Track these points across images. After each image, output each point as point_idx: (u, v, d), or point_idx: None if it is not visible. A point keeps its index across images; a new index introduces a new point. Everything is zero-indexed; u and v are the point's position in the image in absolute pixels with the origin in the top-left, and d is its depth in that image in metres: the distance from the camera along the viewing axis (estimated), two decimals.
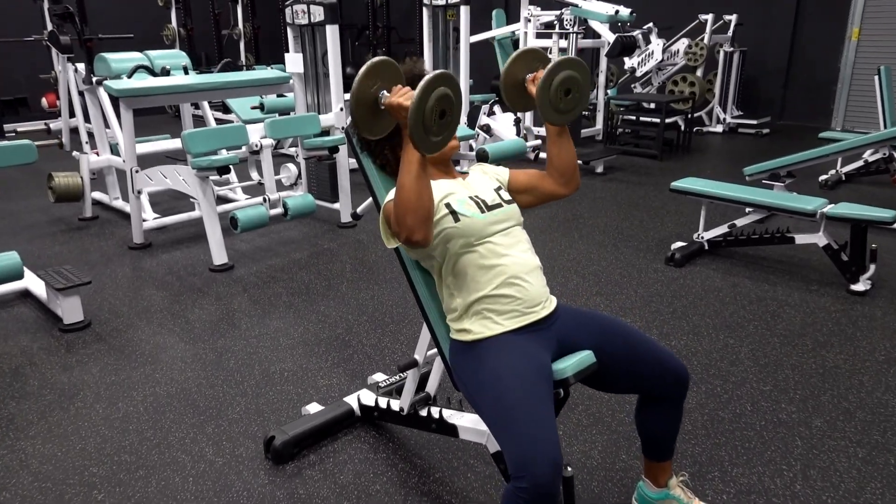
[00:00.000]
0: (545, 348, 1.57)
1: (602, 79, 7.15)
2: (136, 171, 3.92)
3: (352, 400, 2.25)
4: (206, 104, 5.24)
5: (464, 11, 5.11)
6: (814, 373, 2.55)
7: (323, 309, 3.18)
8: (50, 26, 5.07)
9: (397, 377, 2.34)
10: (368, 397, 2.20)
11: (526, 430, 1.33)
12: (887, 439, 2.12)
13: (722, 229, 3.76)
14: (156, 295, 3.39)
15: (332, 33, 3.97)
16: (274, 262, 3.83)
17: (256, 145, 3.75)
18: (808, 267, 3.64)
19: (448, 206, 1.59)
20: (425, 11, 5.31)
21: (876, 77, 6.06)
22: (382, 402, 2.12)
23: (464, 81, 5.29)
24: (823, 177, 5.49)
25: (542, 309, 1.61)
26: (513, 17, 7.62)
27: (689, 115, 7.21)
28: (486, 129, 4.94)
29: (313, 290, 3.42)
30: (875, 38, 7.82)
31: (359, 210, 2.38)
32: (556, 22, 5.65)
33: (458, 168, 1.86)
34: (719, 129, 8.08)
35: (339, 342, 2.85)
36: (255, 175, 4.06)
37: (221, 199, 4.78)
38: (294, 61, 4.16)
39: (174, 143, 4.57)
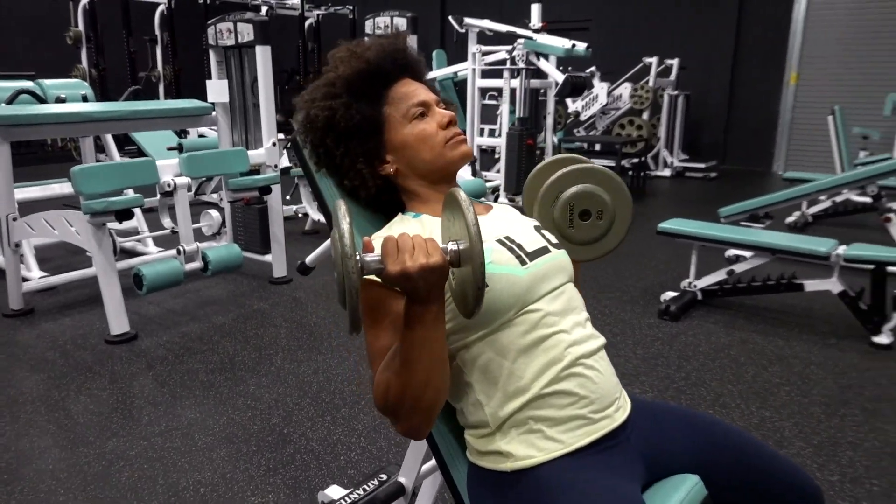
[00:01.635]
0: (630, 476, 0.98)
1: (550, 121, 6.81)
2: (14, 219, 3.13)
3: None
4: (111, 143, 4.48)
5: (411, 42, 4.62)
6: (881, 453, 2.05)
7: (253, 390, 2.48)
8: None
9: (362, 491, 1.68)
10: None
11: None
12: None
13: (717, 276, 3.31)
14: (29, 379, 2.60)
15: (263, 56, 3.37)
16: (190, 329, 3.09)
17: (169, 185, 3.06)
18: (817, 317, 3.21)
19: None
20: None
21: (830, 117, 5.97)
22: None
23: None
24: (790, 218, 5.23)
25: (618, 412, 1.02)
26: (455, 56, 7.25)
27: (642, 159, 6.96)
28: None
29: (240, 364, 2.71)
30: (812, 81, 7.88)
31: (309, 260, 1.74)
32: (507, 58, 5.26)
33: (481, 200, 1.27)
34: (667, 172, 7.88)
35: (276, 437, 2.16)
36: (167, 222, 3.36)
37: (127, 253, 4.01)
38: (217, 89, 3.52)
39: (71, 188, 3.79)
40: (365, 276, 0.85)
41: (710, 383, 2.53)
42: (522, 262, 1.03)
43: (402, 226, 1.08)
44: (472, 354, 1.00)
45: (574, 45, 4.98)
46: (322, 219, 4.81)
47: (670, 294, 3.34)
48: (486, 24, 5.40)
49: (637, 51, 8.02)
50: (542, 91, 6.91)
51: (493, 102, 7.87)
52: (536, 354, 0.98)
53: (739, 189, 6.73)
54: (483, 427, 1.00)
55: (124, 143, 6.55)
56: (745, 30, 8.24)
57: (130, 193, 3.05)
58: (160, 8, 8.70)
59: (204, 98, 3.83)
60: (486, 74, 6.20)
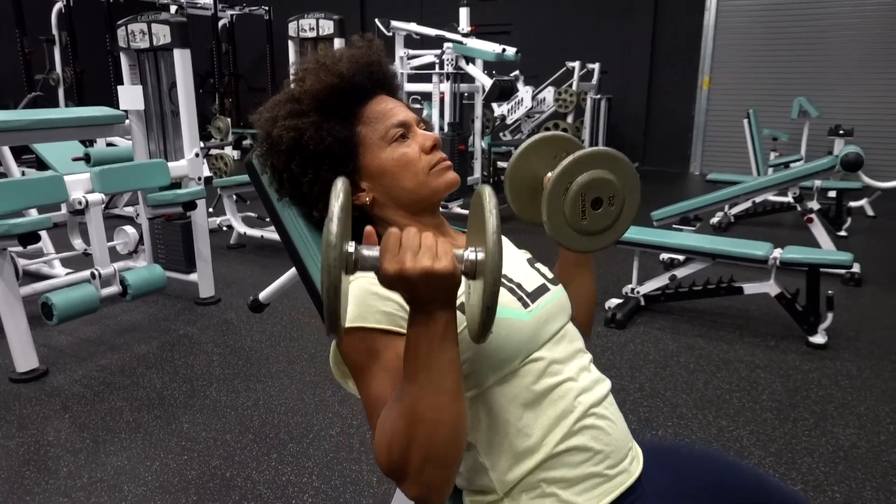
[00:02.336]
0: None
1: (479, 125, 6.78)
2: None
3: None
4: (9, 155, 4.06)
5: (338, 45, 4.45)
6: (835, 457, 2.08)
7: (187, 429, 2.26)
8: None
9: None
10: None
11: None
12: None
13: (659, 281, 3.33)
14: None
15: (182, 59, 3.11)
16: (109, 361, 2.81)
17: (80, 203, 2.76)
18: (755, 318, 3.28)
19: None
20: (291, 46, 4.58)
21: (745, 121, 6.22)
22: None
23: None
24: (714, 219, 5.39)
25: (633, 462, 0.93)
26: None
27: None
28: None
29: (170, 399, 2.47)
30: (724, 86, 8.22)
31: (263, 296, 1.55)
32: (436, 62, 5.17)
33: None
34: None
35: (218, 483, 1.96)
36: (78, 243, 3.04)
37: (32, 276, 3.63)
38: (130, 96, 3.23)
39: None
40: (357, 272, 0.71)
41: (664, 393, 2.51)
42: (525, 305, 0.92)
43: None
44: (472, 412, 0.88)
45: (504, 50, 4.94)
46: (249, 231, 4.56)
47: (615, 301, 3.33)
48: (414, 27, 5.29)
49: (560, 55, 8.12)
50: (465, 95, 6.88)
51: (417, 106, 7.79)
52: (545, 408, 0.87)
53: (661, 190, 6.92)
54: (489, 493, 0.89)
55: (21, 152, 6.01)
56: (660, 36, 8.51)
57: (34, 213, 2.74)
58: (58, 5, 8.07)
59: (110, 102, 3.51)
60: (410, 79, 6.09)
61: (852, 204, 5.70)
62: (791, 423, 2.29)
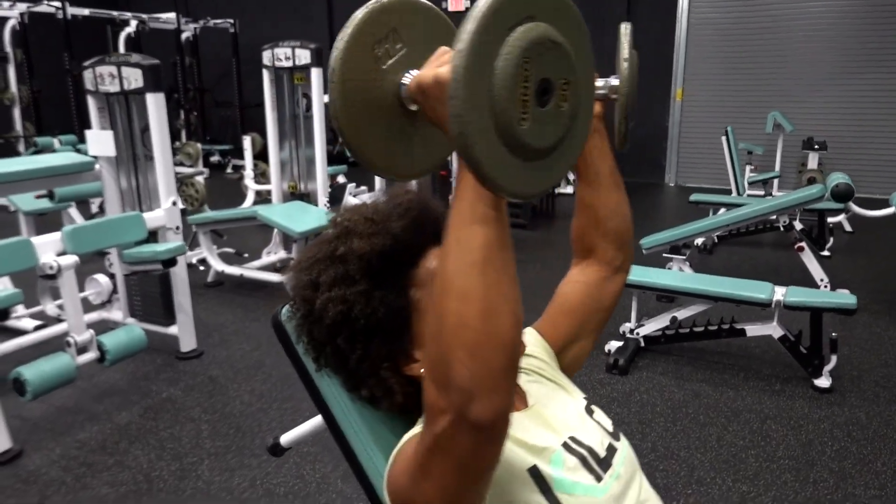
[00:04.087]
0: None
1: None
2: None
3: None
4: None
5: (315, 74, 4.29)
6: None
7: None
8: None
9: None
10: None
11: None
12: None
13: (659, 322, 3.26)
14: None
15: (156, 104, 2.92)
16: (88, 435, 2.62)
17: (51, 268, 2.56)
18: (756, 359, 3.23)
19: (535, 471, 0.79)
20: (266, 74, 4.40)
21: (723, 138, 6.22)
22: None
23: (319, 151, 4.43)
24: (699, 240, 5.37)
25: None
26: None
27: None
28: None
29: (159, 481, 2.30)
30: (697, 97, 8.25)
31: (286, 441, 1.39)
32: None
33: None
34: (569, 189, 7.97)
35: None
36: (50, 307, 2.84)
37: None
38: (100, 141, 3.03)
39: None
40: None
41: (678, 453, 2.44)
42: (598, 478, 0.82)
43: None
44: None
45: None
46: (227, 269, 4.37)
47: (615, 344, 3.25)
48: None
49: None
50: None
51: None
52: None
53: (639, 203, 6.90)
54: None
55: None
56: (633, 48, 8.49)
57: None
58: (11, 22, 7.70)
59: (68, 122, 3.29)
60: None
61: (830, 220, 5.75)
62: (812, 486, 2.23)
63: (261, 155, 6.89)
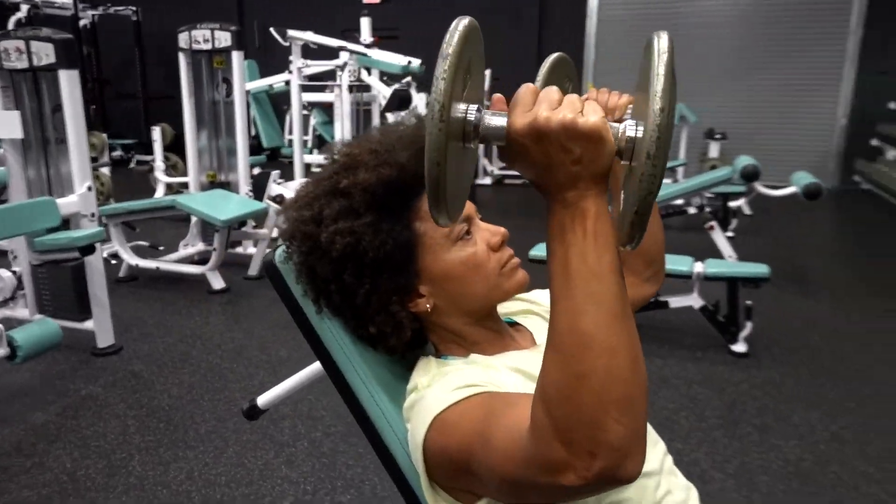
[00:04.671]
0: None
1: None
2: None
3: None
4: None
5: (236, 58, 4.14)
6: (787, 474, 2.17)
7: None
8: None
9: None
10: None
11: None
12: None
13: None
14: None
15: (69, 82, 2.72)
16: (1, 438, 2.42)
17: None
18: (677, 330, 3.40)
19: None
20: (183, 58, 4.20)
21: None
22: None
23: (241, 139, 4.27)
24: None
25: None
26: (273, 68, 6.77)
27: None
28: (280, 200, 4.00)
29: (85, 481, 2.15)
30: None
31: (263, 402, 1.32)
32: (339, 73, 4.96)
33: None
34: (487, 181, 8.10)
35: None
36: None
37: None
38: (6, 122, 2.79)
39: None
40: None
41: None
42: None
43: (452, 369, 0.82)
44: None
45: (410, 62, 4.83)
46: (142, 263, 4.14)
47: None
48: (312, 37, 5.04)
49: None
50: (361, 104, 6.72)
51: (305, 112, 7.50)
52: None
53: None
54: None
55: None
56: (546, 44, 8.73)
57: None
58: None
59: None
60: (308, 89, 5.84)
61: (732, 203, 6.12)
62: (739, 441, 2.37)
63: (171, 147, 6.59)
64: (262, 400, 1.27)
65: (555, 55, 0.97)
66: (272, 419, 2.49)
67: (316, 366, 1.25)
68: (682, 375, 2.89)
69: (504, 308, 1.00)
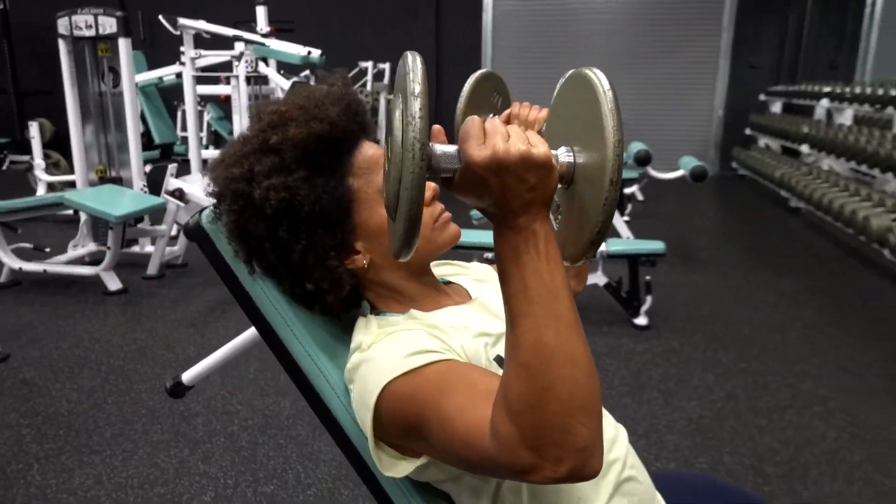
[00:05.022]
0: None
1: None
2: None
3: None
4: None
5: (123, 45, 3.91)
6: (691, 431, 2.34)
7: None
8: None
9: None
10: None
11: None
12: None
13: None
14: None
15: None
16: None
17: None
18: (582, 307, 3.53)
19: (500, 360, 0.83)
20: (63, 45, 3.92)
21: None
22: None
23: (133, 132, 4.05)
24: None
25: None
26: (160, 61, 6.42)
27: None
28: (179, 194, 3.82)
29: None
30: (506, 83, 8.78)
31: (188, 377, 1.26)
32: (235, 63, 4.79)
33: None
34: None
35: None
36: None
37: None
38: None
39: None
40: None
41: None
42: None
43: (396, 328, 0.82)
44: (510, 485, 0.81)
45: (310, 53, 4.74)
46: (26, 266, 3.84)
47: None
48: (205, 25, 4.83)
49: (350, 55, 8.04)
50: (259, 97, 6.53)
51: (199, 108, 7.21)
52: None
53: None
54: None
55: None
56: (444, 35, 8.84)
57: None
58: None
59: None
60: (203, 81, 5.60)
61: (626, 190, 6.46)
62: (647, 405, 2.52)
63: (51, 144, 6.14)
64: (188, 376, 1.22)
65: (480, 72, 1.03)
66: (183, 416, 2.39)
67: (243, 336, 1.22)
68: (591, 349, 3.02)
69: (439, 271, 1.02)
